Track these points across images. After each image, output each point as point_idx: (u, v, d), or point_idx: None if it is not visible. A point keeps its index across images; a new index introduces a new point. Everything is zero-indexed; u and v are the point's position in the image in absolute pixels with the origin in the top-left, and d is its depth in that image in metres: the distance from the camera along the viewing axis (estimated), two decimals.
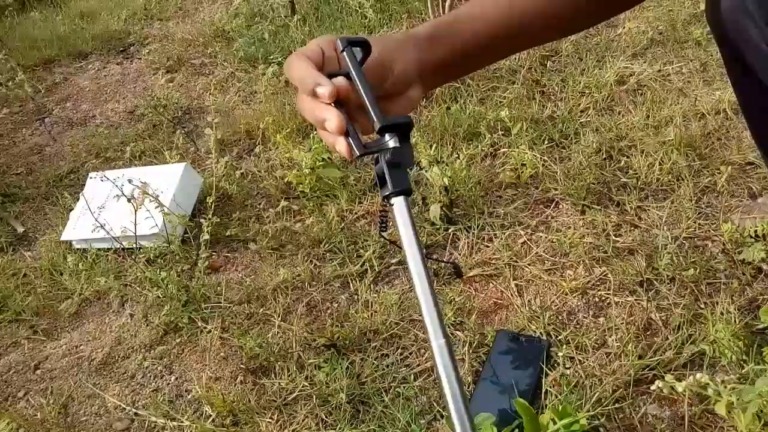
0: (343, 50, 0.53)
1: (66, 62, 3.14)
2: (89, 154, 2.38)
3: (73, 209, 2.01)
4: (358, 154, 0.50)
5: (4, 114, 2.80)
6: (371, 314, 1.53)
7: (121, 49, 3.17)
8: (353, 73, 0.52)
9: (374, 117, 0.51)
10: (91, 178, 2.04)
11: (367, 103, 0.51)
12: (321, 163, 1.86)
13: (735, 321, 1.30)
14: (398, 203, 0.50)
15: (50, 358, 1.63)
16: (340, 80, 0.53)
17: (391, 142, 0.51)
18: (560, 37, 0.70)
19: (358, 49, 0.55)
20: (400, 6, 2.76)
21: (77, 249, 1.92)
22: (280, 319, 1.56)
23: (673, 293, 1.41)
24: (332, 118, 0.51)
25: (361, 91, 0.52)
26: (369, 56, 0.55)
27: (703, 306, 1.38)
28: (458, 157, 1.81)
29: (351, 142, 0.51)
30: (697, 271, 1.43)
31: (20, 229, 2.08)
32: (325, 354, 1.45)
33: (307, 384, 1.39)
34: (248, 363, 1.47)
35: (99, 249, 1.88)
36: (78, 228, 1.90)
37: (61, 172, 2.32)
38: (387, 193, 0.49)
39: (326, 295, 1.62)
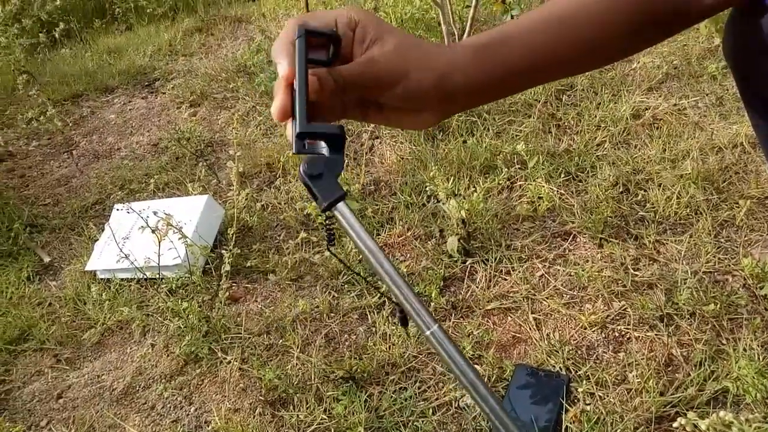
0: (296, 39, 0.48)
1: (93, 96, 3.24)
2: (114, 186, 2.44)
3: (97, 240, 2.06)
4: (294, 151, 0.48)
5: (34, 147, 2.90)
6: (389, 347, 1.53)
7: (146, 83, 3.28)
8: (297, 62, 0.47)
9: (297, 120, 0.46)
10: (117, 209, 2.09)
11: (296, 103, 0.47)
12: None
13: (759, 358, 1.28)
14: (338, 212, 0.48)
15: (73, 388, 1.65)
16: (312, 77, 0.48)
17: (324, 150, 0.48)
18: (604, 65, 0.63)
19: (331, 46, 0.50)
20: None
21: (101, 279, 1.96)
22: (299, 350, 1.57)
23: (694, 328, 1.40)
24: (275, 101, 0.48)
25: (296, 87, 0.47)
26: (338, 52, 0.50)
27: (725, 342, 1.36)
28: (475, 190, 1.83)
29: (292, 133, 0.48)
30: (718, 306, 1.42)
31: (46, 259, 2.13)
32: (344, 386, 1.45)
33: (325, 417, 1.40)
34: (267, 395, 1.47)
35: (122, 279, 1.92)
36: (102, 258, 1.95)
37: (87, 203, 2.39)
38: (323, 207, 0.47)
39: (344, 327, 1.63)
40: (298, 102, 0.46)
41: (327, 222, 0.50)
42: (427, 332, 0.48)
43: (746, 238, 1.60)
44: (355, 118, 0.55)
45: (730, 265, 1.54)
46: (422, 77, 0.50)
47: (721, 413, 1.00)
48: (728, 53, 0.59)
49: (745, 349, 1.32)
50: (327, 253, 1.81)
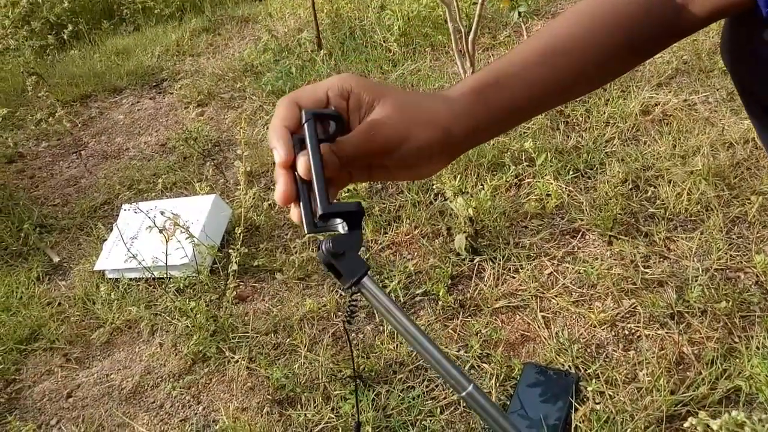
0: (303, 123, 0.49)
1: (102, 97, 3.26)
2: (122, 186, 2.45)
3: (106, 240, 2.06)
4: (306, 232, 0.49)
5: (43, 147, 2.92)
6: (396, 345, 1.53)
7: (154, 84, 3.29)
8: (309, 147, 0.48)
9: (318, 202, 0.47)
10: (124, 209, 2.10)
11: (315, 185, 0.47)
12: (347, 194, 1.88)
13: None
14: (364, 288, 0.48)
15: (82, 387, 1.66)
16: (301, 160, 0.48)
17: (339, 227, 0.49)
18: (611, 79, 0.64)
19: (333, 122, 0.50)
20: (424, 40, 2.82)
21: (110, 279, 1.97)
22: (306, 349, 1.57)
23: (706, 326, 1.39)
24: (278, 187, 0.48)
25: (312, 171, 0.47)
26: (342, 130, 0.51)
27: (737, 340, 1.34)
28: (483, 188, 1.82)
29: (303, 214, 0.49)
30: (730, 303, 1.40)
31: (56, 259, 2.14)
32: (351, 385, 1.45)
33: (333, 416, 1.39)
34: (275, 394, 1.47)
35: (130, 279, 1.93)
36: (111, 258, 1.96)
37: (96, 203, 2.40)
38: (348, 285, 0.48)
39: (352, 326, 1.63)
40: (316, 185, 0.47)
41: (351, 300, 0.51)
42: (463, 393, 0.48)
43: (759, 235, 1.57)
44: (362, 180, 0.55)
45: (742, 262, 1.52)
46: (426, 135, 0.51)
47: (734, 413, 0.98)
48: (726, 61, 0.59)
49: (758, 347, 1.30)
50: None
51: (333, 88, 0.51)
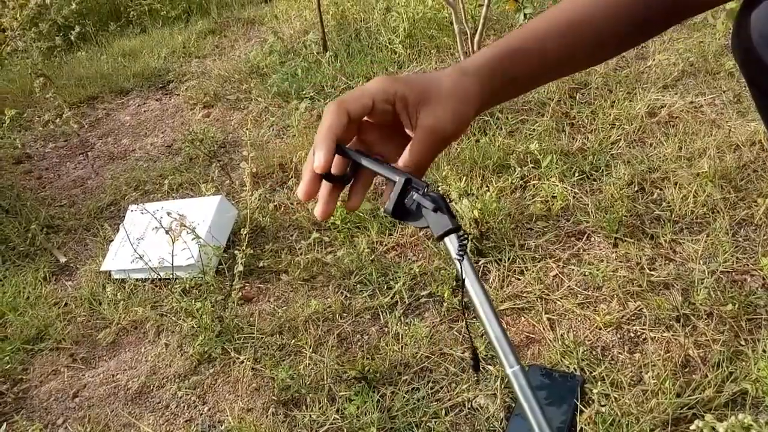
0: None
1: (108, 99, 3.28)
2: (129, 187, 2.46)
3: (112, 240, 2.08)
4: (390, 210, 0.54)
5: (50, 148, 2.94)
6: (402, 347, 1.53)
7: (161, 85, 3.31)
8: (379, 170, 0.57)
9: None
10: (131, 210, 2.11)
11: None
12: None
13: None
14: (450, 242, 0.53)
15: (88, 387, 1.67)
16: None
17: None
18: (615, 55, 0.69)
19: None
20: (429, 41, 2.82)
21: (116, 279, 1.98)
22: (311, 350, 1.57)
23: (712, 329, 1.38)
24: (303, 184, 0.56)
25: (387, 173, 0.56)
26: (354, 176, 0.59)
27: (743, 343, 1.34)
28: (488, 190, 1.82)
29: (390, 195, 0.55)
30: (736, 306, 1.39)
31: (62, 260, 2.15)
32: (356, 387, 1.45)
33: (338, 417, 1.40)
34: (280, 395, 1.48)
35: (137, 279, 1.93)
36: (117, 258, 1.97)
37: (102, 204, 2.41)
38: (443, 233, 0.53)
39: (357, 327, 1.63)
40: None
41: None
42: (509, 370, 0.52)
43: (765, 237, 1.57)
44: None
45: (748, 265, 1.52)
46: (468, 118, 0.58)
47: (740, 416, 0.98)
48: (737, 56, 0.59)
49: (764, 350, 1.29)
50: (339, 253, 1.81)
51: (378, 94, 0.54)
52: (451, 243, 0.52)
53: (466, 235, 0.54)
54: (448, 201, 0.55)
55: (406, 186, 0.53)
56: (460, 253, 0.53)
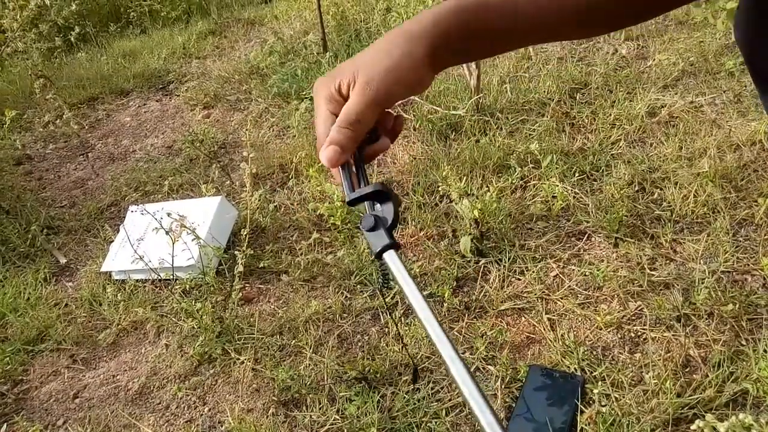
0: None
1: (109, 99, 3.28)
2: (129, 188, 2.46)
3: (113, 241, 2.08)
4: (348, 199, 0.55)
5: (51, 149, 2.94)
6: (402, 347, 1.53)
7: (161, 86, 3.31)
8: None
9: (346, 189, 0.55)
10: (131, 211, 2.11)
11: (343, 177, 0.56)
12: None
13: None
14: (387, 258, 0.53)
15: (89, 387, 1.67)
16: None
17: (373, 205, 0.55)
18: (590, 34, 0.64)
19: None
20: None
21: (116, 280, 1.98)
22: (311, 351, 1.57)
23: (712, 329, 1.38)
24: (324, 153, 0.56)
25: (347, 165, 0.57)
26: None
27: (744, 343, 1.34)
28: (488, 190, 1.82)
29: (345, 184, 0.56)
30: (737, 306, 1.39)
31: (63, 260, 2.15)
32: (356, 387, 1.45)
33: (338, 417, 1.39)
34: (280, 395, 1.48)
35: (137, 280, 1.93)
36: (117, 259, 1.97)
37: (102, 205, 2.41)
38: (375, 253, 0.54)
39: (357, 328, 1.63)
40: (343, 176, 0.56)
41: (381, 268, 0.56)
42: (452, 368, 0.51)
43: (766, 237, 1.57)
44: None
45: (749, 265, 1.51)
46: (413, 88, 0.57)
47: (741, 416, 0.98)
48: (741, 45, 0.58)
49: (765, 350, 1.29)
50: (339, 254, 1.81)
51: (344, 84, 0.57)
52: (391, 260, 0.54)
53: (385, 269, 0.55)
54: (395, 214, 0.54)
55: (371, 195, 0.55)
56: (384, 282, 0.57)
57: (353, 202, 0.55)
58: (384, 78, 0.55)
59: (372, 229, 0.54)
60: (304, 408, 1.44)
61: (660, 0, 0.58)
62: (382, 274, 0.58)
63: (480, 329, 1.51)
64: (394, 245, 0.54)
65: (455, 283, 1.65)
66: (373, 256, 0.54)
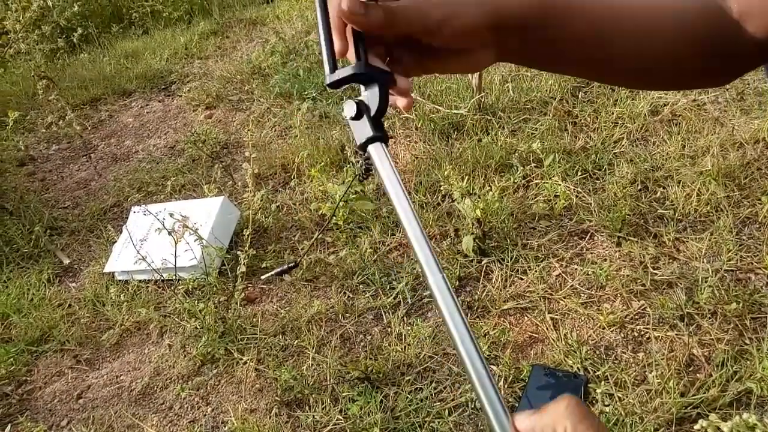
0: None
1: (111, 100, 3.29)
2: (132, 189, 2.47)
3: (115, 242, 2.08)
4: (327, 81, 0.47)
5: (54, 150, 2.95)
6: (405, 347, 1.53)
7: (163, 87, 3.31)
8: (318, 18, 0.47)
9: (326, 69, 0.46)
10: (134, 211, 2.11)
11: (324, 52, 0.47)
12: (354, 195, 1.89)
13: None
14: (372, 151, 0.47)
15: (92, 388, 1.67)
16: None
17: (365, 93, 0.47)
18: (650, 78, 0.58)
19: None
20: None
21: (119, 280, 1.98)
22: (314, 351, 1.57)
23: (716, 328, 1.37)
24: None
25: (321, 40, 0.47)
26: None
27: (748, 342, 1.33)
28: (490, 189, 1.81)
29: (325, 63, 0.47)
30: (741, 305, 1.39)
31: (66, 261, 2.16)
32: (359, 387, 1.45)
33: (341, 417, 1.40)
34: (283, 395, 1.48)
35: (140, 280, 1.94)
36: (120, 260, 1.97)
37: (105, 205, 2.42)
38: (358, 145, 0.47)
39: (359, 327, 1.63)
40: (325, 52, 0.46)
41: (365, 159, 0.49)
42: (430, 280, 0.44)
43: None
44: (416, 73, 0.52)
45: (752, 263, 1.51)
46: (472, 12, 0.48)
47: (745, 415, 0.97)
48: None
49: None
50: (341, 254, 1.81)
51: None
52: (376, 153, 0.46)
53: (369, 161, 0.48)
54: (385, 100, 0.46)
55: (356, 77, 0.46)
56: (364, 174, 0.49)
57: (334, 85, 0.47)
58: None
59: (355, 117, 0.46)
60: (307, 408, 1.44)
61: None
62: (364, 166, 0.50)
63: (483, 329, 1.51)
64: (379, 137, 0.46)
65: (458, 282, 1.65)
66: (356, 148, 0.47)
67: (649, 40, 0.54)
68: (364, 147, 0.46)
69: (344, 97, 0.46)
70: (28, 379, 1.75)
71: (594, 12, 0.53)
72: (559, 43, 0.53)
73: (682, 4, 0.54)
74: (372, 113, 0.46)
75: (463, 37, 0.49)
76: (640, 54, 0.55)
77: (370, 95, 0.47)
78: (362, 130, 0.46)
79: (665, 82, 0.58)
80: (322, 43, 0.47)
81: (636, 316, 1.46)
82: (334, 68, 0.46)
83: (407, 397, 1.40)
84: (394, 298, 1.66)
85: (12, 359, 1.77)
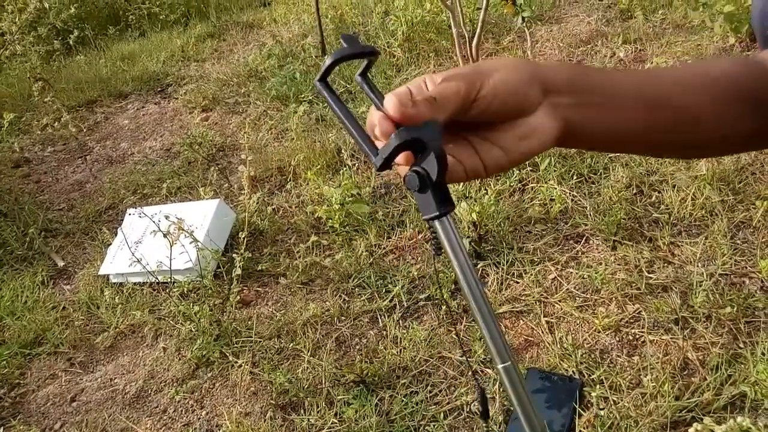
0: (319, 80, 0.46)
1: (107, 102, 3.28)
2: (127, 191, 2.46)
3: (111, 244, 2.07)
4: (376, 167, 0.44)
5: (49, 152, 2.94)
6: (400, 350, 1.52)
7: (159, 89, 3.31)
8: (333, 107, 0.46)
9: (368, 153, 0.45)
10: (129, 214, 2.11)
11: (358, 139, 0.45)
12: (350, 198, 1.89)
13: None
14: (438, 226, 0.46)
15: (86, 391, 1.66)
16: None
17: (421, 161, 0.44)
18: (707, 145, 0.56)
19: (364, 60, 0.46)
20: (428, 45, 2.82)
21: (114, 283, 1.97)
22: (309, 354, 1.57)
23: (710, 332, 1.38)
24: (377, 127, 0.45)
25: (349, 129, 0.45)
26: (371, 65, 0.47)
27: (742, 345, 1.34)
28: (486, 193, 1.82)
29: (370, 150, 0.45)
30: (735, 309, 1.39)
31: (60, 264, 2.15)
32: (354, 390, 1.45)
33: (336, 421, 1.39)
34: (278, 398, 1.47)
35: (135, 283, 1.93)
36: (115, 262, 1.96)
37: (101, 207, 2.41)
38: (425, 219, 0.45)
39: (355, 331, 1.63)
40: (358, 140, 0.45)
41: (432, 232, 0.47)
42: (499, 366, 0.47)
43: (764, 240, 1.57)
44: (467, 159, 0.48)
45: (746, 267, 1.52)
46: (513, 78, 0.46)
47: (739, 418, 0.98)
48: (755, 21, 0.56)
49: (763, 353, 1.29)
50: (337, 257, 1.81)
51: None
52: (441, 227, 0.45)
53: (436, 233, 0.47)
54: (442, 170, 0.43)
55: (402, 148, 0.44)
56: (435, 247, 0.48)
57: (384, 167, 0.44)
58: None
59: (421, 190, 0.44)
60: (302, 411, 1.44)
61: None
62: (434, 242, 0.48)
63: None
64: (442, 213, 0.44)
65: (453, 285, 1.65)
66: (425, 219, 0.45)
67: (696, 108, 0.52)
68: (430, 222, 0.45)
69: (408, 171, 0.43)
70: (22, 382, 1.74)
71: (636, 83, 0.51)
72: (611, 109, 0.50)
73: (729, 69, 0.53)
74: (434, 181, 0.43)
75: (507, 96, 0.45)
76: (685, 122, 0.52)
77: (426, 161, 0.43)
78: (427, 205, 0.44)
79: (722, 151, 0.58)
80: (356, 137, 0.45)
81: (631, 320, 1.46)
82: (375, 150, 0.44)
83: (403, 401, 1.40)
84: (390, 301, 1.66)
85: (5, 362, 1.76)
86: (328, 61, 0.46)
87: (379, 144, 0.45)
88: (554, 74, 0.48)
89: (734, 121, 0.53)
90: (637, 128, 0.52)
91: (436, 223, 0.45)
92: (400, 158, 0.45)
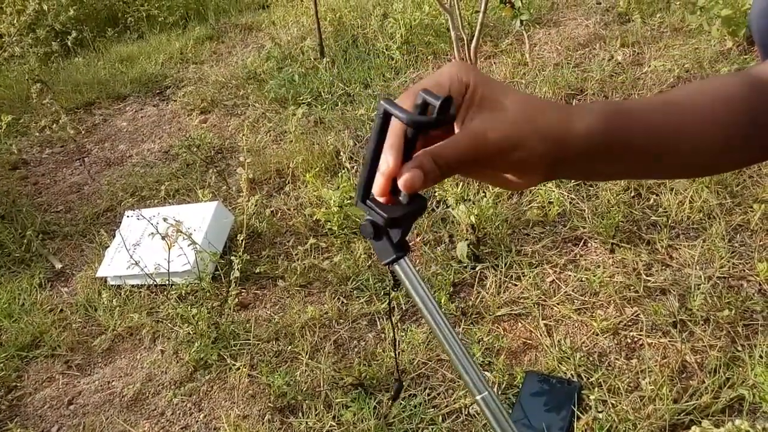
0: (382, 115, 0.46)
1: (105, 104, 3.28)
2: (125, 193, 2.46)
3: (108, 246, 2.07)
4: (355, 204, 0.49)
5: (47, 154, 2.93)
6: (398, 353, 1.52)
7: (158, 91, 3.31)
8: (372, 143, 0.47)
9: (359, 194, 0.48)
10: (127, 216, 2.10)
11: (363, 180, 0.47)
12: (349, 201, 1.89)
13: None
14: (397, 268, 0.49)
15: (83, 394, 1.66)
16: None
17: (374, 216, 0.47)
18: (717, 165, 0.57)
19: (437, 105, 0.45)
20: (426, 48, 2.83)
21: (112, 285, 1.97)
22: (308, 357, 1.57)
23: (708, 335, 1.38)
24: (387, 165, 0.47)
25: (367, 166, 0.47)
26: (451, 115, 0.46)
27: (740, 348, 1.34)
28: (485, 195, 1.82)
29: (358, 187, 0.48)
30: (733, 312, 1.39)
31: (58, 266, 2.14)
32: (353, 393, 1.44)
33: (334, 424, 1.39)
34: (276, 401, 1.47)
35: (132, 285, 1.93)
36: (113, 265, 1.96)
37: (99, 210, 2.40)
38: (383, 264, 0.49)
39: (353, 333, 1.62)
40: (363, 179, 0.47)
41: (391, 272, 0.51)
42: (477, 397, 0.48)
43: (761, 243, 1.57)
44: (453, 173, 0.50)
45: (744, 270, 1.52)
46: (540, 148, 0.46)
47: (737, 422, 0.98)
48: (755, 18, 0.56)
49: (761, 356, 1.29)
50: (336, 259, 1.81)
51: (454, 81, 0.46)
52: (400, 268, 0.49)
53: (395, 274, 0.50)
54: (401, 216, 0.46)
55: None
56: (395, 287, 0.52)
57: (365, 229, 0.48)
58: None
59: (376, 237, 0.47)
60: (300, 414, 1.44)
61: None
62: (393, 279, 0.54)
63: (477, 335, 1.51)
64: (399, 257, 0.48)
65: (452, 288, 1.65)
66: (383, 264, 0.49)
67: (709, 139, 0.52)
68: (390, 264, 0.48)
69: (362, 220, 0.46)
70: (18, 384, 1.73)
71: (654, 127, 0.51)
72: (616, 165, 0.51)
73: (734, 91, 0.53)
74: (386, 230, 0.47)
75: (520, 169, 0.47)
76: (698, 152, 0.53)
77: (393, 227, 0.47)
78: (384, 251, 0.48)
79: (725, 168, 0.58)
80: (363, 177, 0.47)
81: (629, 323, 1.46)
82: (365, 195, 0.47)
83: (401, 404, 1.40)
84: (388, 304, 1.66)
85: (2, 365, 1.75)
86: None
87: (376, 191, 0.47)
88: (576, 152, 0.47)
89: (743, 143, 0.53)
90: (637, 174, 0.54)
91: (396, 266, 0.49)
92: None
